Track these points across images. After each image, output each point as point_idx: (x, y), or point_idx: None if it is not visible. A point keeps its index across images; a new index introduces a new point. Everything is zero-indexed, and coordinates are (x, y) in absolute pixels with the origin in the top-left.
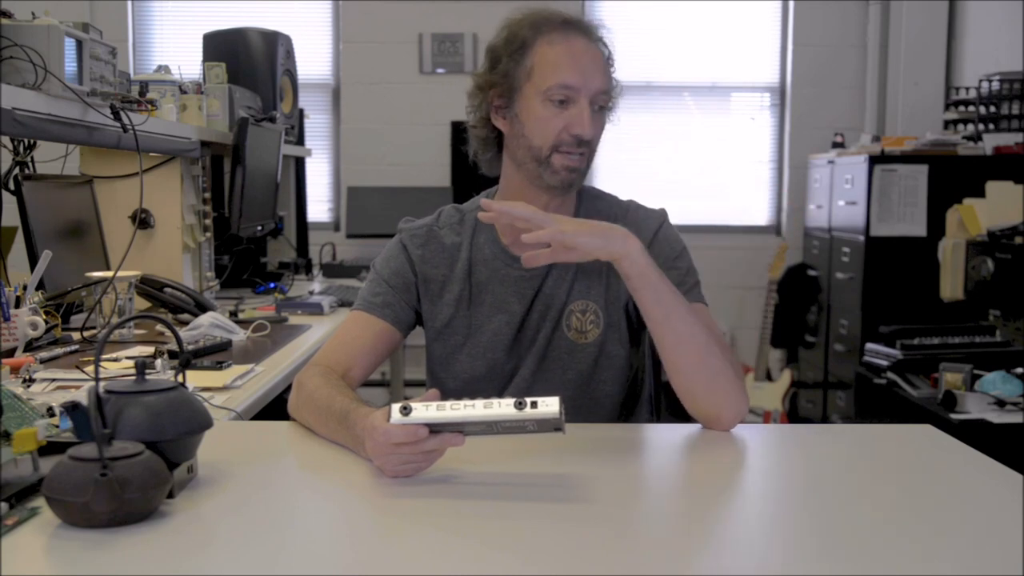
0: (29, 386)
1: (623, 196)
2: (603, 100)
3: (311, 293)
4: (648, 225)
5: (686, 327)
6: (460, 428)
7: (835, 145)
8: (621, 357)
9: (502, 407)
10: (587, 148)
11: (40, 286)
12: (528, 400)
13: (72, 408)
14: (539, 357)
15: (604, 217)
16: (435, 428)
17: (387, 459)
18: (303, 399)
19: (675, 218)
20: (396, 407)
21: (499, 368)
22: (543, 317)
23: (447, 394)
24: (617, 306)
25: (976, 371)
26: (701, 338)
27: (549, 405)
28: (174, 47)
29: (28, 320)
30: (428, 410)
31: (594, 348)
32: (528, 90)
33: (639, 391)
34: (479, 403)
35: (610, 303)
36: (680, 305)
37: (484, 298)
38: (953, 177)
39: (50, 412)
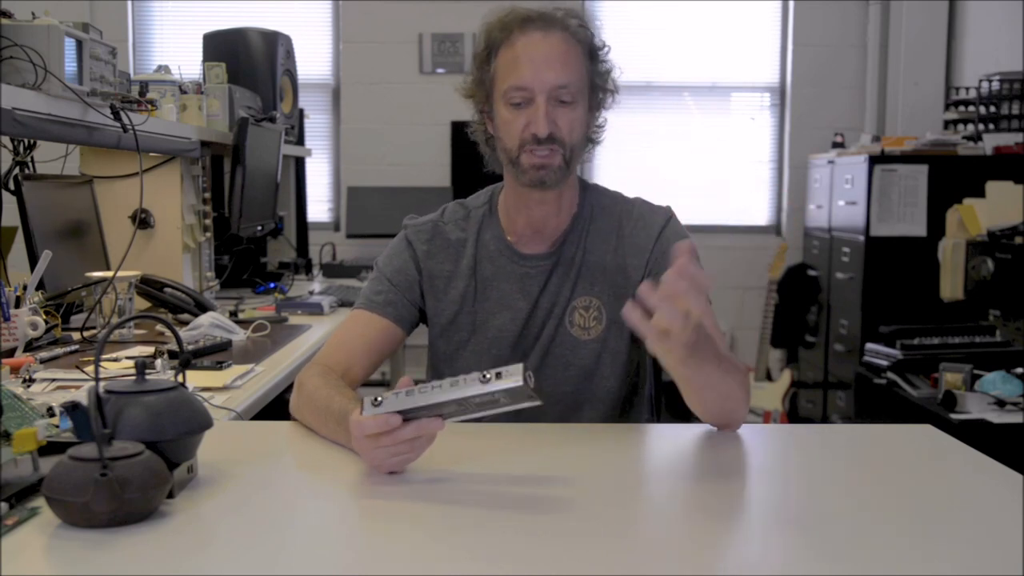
0: (29, 386)
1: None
2: (562, 94)
3: (311, 293)
4: (654, 222)
5: (716, 395)
6: (438, 412)
7: (835, 145)
8: (623, 353)
9: (467, 383)
10: (556, 144)
11: (40, 286)
12: (492, 372)
13: (72, 408)
14: (542, 353)
15: (608, 214)
16: (411, 416)
17: (372, 454)
18: (303, 400)
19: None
20: (368, 400)
21: (503, 364)
22: (548, 314)
23: None
24: (622, 302)
25: (976, 371)
26: (725, 396)
27: (512, 374)
28: (174, 47)
29: (28, 320)
30: (398, 398)
31: (597, 344)
32: (495, 95)
33: (639, 386)
34: (445, 382)
35: (615, 299)
36: (716, 377)
37: (489, 294)
38: (953, 177)
39: (50, 412)
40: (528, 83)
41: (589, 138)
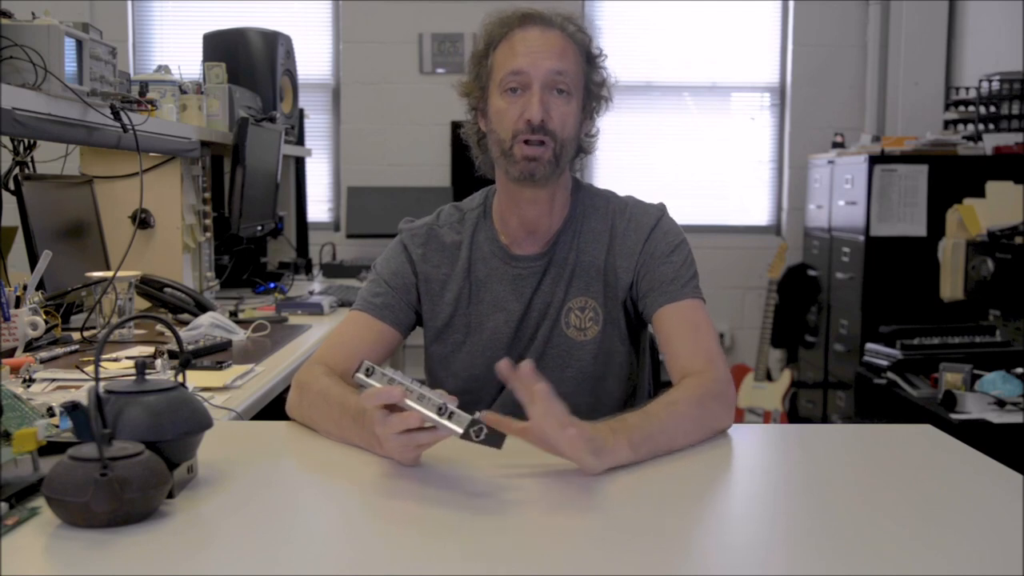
0: (29, 386)
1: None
2: (560, 81)
3: (311, 293)
4: (644, 223)
5: (686, 442)
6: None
7: (835, 145)
8: (621, 354)
9: (429, 403)
10: (549, 137)
11: (40, 286)
12: (449, 409)
13: (72, 408)
14: (538, 355)
15: (602, 214)
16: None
17: (391, 443)
18: (310, 398)
19: (675, 218)
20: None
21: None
22: (542, 315)
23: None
24: (616, 303)
25: (976, 371)
26: (698, 431)
27: (459, 423)
28: (174, 47)
29: (28, 320)
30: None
31: (594, 345)
32: (491, 87)
33: (638, 388)
34: (416, 390)
35: (609, 300)
36: (668, 443)
37: (483, 296)
38: (953, 177)
39: (50, 412)
40: (524, 67)
41: (581, 147)
